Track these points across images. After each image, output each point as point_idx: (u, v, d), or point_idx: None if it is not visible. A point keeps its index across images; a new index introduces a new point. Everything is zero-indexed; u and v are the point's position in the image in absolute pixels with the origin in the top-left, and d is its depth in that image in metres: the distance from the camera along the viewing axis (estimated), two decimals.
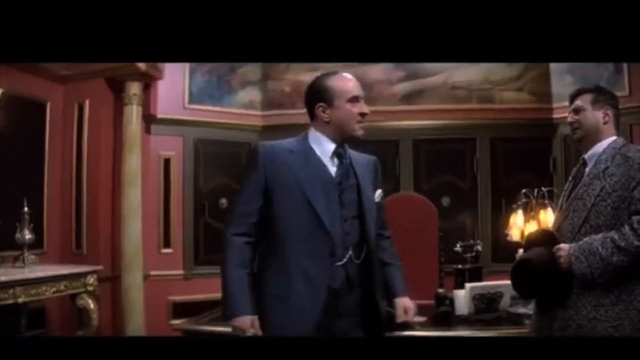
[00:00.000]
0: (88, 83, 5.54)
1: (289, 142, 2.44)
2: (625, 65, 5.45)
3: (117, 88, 5.55)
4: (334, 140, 2.38)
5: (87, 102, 5.55)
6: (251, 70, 6.48)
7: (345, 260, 2.30)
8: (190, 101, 6.06)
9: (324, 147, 2.38)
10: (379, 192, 2.52)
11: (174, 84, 5.95)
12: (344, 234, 2.30)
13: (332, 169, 2.36)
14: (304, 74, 6.19)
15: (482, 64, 6.25)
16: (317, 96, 2.39)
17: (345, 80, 2.40)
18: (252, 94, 6.47)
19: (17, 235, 4.61)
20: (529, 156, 6.16)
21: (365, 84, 6.55)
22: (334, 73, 2.43)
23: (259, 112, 6.47)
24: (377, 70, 6.39)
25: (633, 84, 5.38)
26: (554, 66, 6.11)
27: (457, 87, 6.34)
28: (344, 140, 2.40)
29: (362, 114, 2.38)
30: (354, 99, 2.37)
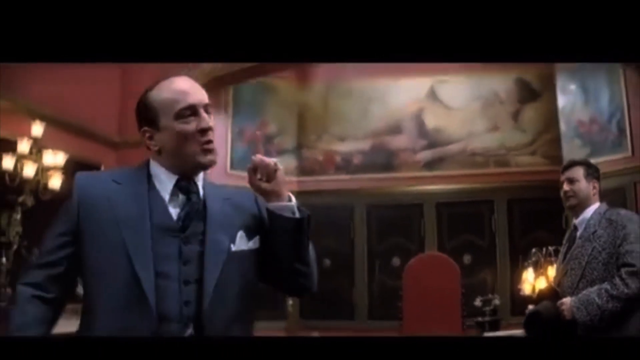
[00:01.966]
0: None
1: (118, 170, 1.82)
2: (628, 127, 5.80)
3: None
4: (174, 172, 1.61)
5: None
6: (286, 139, 7.01)
7: None
8: (232, 167, 6.54)
9: (162, 180, 1.61)
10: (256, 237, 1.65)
11: (217, 151, 6.39)
12: (181, 304, 1.50)
13: (174, 210, 1.58)
14: (336, 144, 6.70)
15: (497, 132, 6.77)
16: (141, 118, 1.64)
17: (174, 87, 1.60)
18: (287, 161, 6.84)
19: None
20: (544, 215, 6.46)
21: (390, 152, 7.24)
22: (166, 79, 1.63)
23: (294, 178, 6.80)
24: (402, 140, 6.92)
25: (635, 146, 5.75)
26: (564, 130, 6.53)
27: (475, 154, 6.84)
28: (186, 172, 1.62)
29: (202, 130, 1.59)
30: (184, 112, 1.58)
